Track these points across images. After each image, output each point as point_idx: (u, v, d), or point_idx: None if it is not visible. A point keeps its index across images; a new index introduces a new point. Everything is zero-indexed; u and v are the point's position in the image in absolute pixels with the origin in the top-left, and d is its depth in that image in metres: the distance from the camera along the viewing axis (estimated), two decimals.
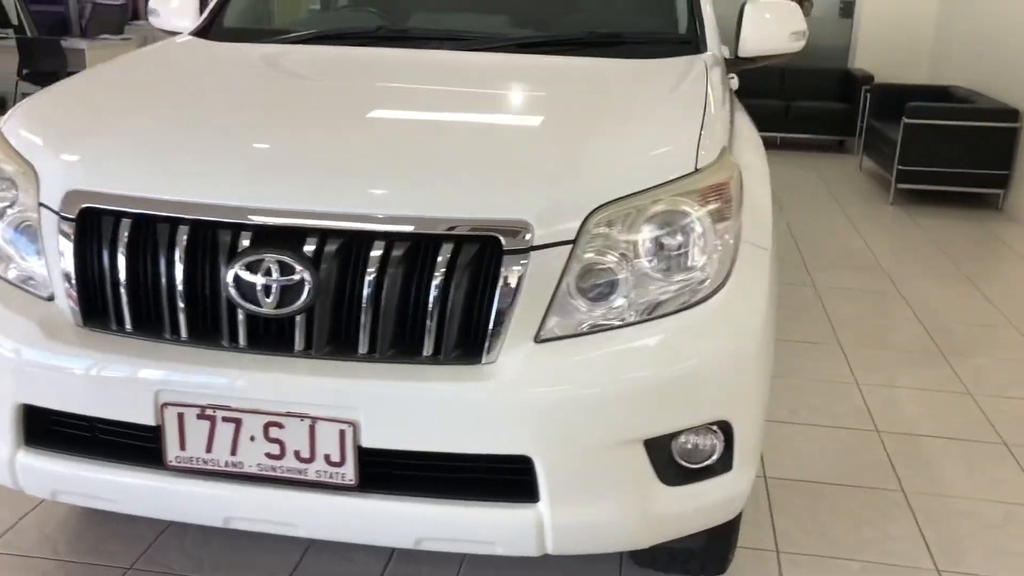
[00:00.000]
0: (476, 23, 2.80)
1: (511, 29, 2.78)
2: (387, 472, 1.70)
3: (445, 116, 2.04)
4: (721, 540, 2.15)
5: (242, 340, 1.69)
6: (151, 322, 1.74)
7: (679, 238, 1.76)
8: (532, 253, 1.65)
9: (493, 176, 1.75)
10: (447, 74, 2.35)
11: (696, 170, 1.80)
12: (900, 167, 6.67)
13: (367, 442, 1.65)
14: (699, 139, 1.86)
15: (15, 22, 9.84)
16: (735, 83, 3.66)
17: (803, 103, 8.92)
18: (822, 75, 9.14)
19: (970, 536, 2.65)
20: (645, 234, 1.74)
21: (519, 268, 1.65)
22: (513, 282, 1.65)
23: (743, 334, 1.77)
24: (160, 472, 1.73)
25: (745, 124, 2.46)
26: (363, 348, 1.67)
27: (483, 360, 1.65)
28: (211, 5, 2.90)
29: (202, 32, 2.80)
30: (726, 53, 2.81)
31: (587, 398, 1.65)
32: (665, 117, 2.02)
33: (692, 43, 2.62)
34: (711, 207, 1.78)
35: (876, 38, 9.13)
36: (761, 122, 10.09)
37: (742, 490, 1.85)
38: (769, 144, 10.31)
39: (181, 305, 1.70)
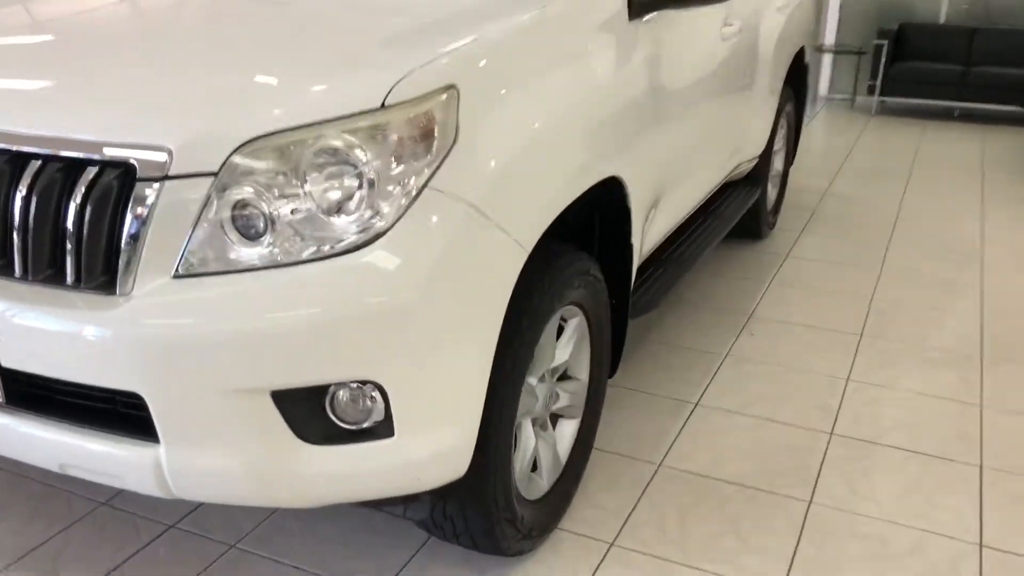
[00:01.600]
0: None
1: None
2: (42, 395, 1.71)
3: (147, 43, 1.95)
4: (474, 510, 1.95)
5: None
6: None
7: (343, 179, 1.61)
8: (168, 183, 1.57)
9: (143, 101, 1.67)
10: (229, 5, 2.24)
11: (382, 106, 1.63)
12: None
13: (6, 362, 1.66)
14: (408, 74, 1.67)
15: None
16: (734, 28, 3.27)
17: (987, 68, 7.85)
18: (1021, 37, 7.97)
19: (851, 562, 2.26)
20: (303, 171, 1.60)
21: (151, 196, 1.58)
22: (143, 211, 1.58)
23: (398, 288, 1.59)
24: None
25: (601, 68, 2.18)
26: (18, 271, 1.67)
27: (117, 292, 1.61)
28: None
29: None
30: None
31: (201, 339, 1.55)
32: (388, 49, 1.82)
33: None
34: (386, 146, 1.61)
35: None
36: (929, 89, 8.72)
37: (415, 459, 1.68)
38: (944, 115, 8.92)
39: None
